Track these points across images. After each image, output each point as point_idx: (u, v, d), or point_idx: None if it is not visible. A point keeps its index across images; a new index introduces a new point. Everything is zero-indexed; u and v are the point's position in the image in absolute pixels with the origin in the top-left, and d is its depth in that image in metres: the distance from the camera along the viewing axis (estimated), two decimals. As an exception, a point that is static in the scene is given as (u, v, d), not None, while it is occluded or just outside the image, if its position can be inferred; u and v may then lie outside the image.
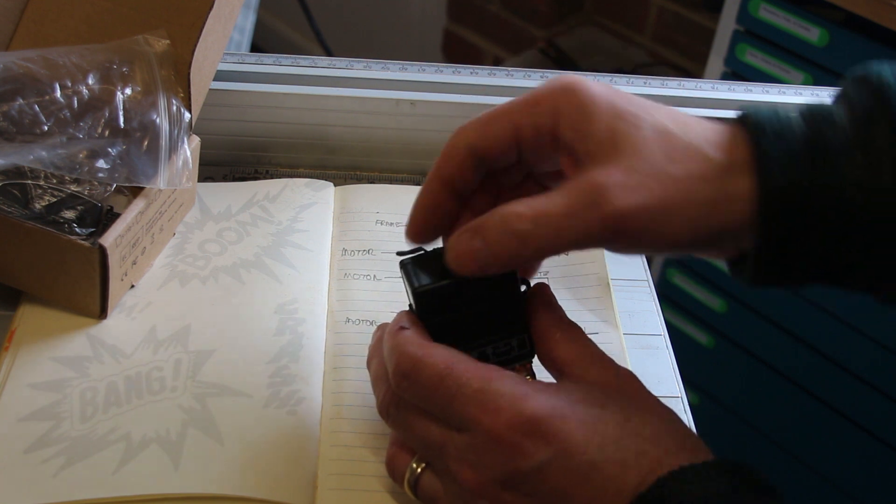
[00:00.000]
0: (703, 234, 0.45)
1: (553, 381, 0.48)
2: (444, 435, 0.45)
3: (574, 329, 0.49)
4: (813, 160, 0.43)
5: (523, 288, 0.50)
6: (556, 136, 0.45)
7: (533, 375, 0.50)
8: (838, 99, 0.46)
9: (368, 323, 0.58)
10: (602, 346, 0.49)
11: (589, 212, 0.43)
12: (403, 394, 0.46)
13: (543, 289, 0.50)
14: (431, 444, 0.46)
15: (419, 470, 0.47)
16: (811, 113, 0.45)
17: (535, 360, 0.50)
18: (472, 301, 0.48)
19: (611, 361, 0.47)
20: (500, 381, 0.44)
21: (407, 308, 0.50)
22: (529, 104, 0.46)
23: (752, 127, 0.44)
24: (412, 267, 0.48)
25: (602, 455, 0.43)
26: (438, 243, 0.50)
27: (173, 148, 0.58)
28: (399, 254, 0.49)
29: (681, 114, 0.46)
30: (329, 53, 1.65)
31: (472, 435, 0.44)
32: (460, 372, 0.44)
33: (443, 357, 0.45)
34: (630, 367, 0.56)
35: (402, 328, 0.47)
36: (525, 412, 0.43)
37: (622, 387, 0.46)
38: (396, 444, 0.48)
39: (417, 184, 0.71)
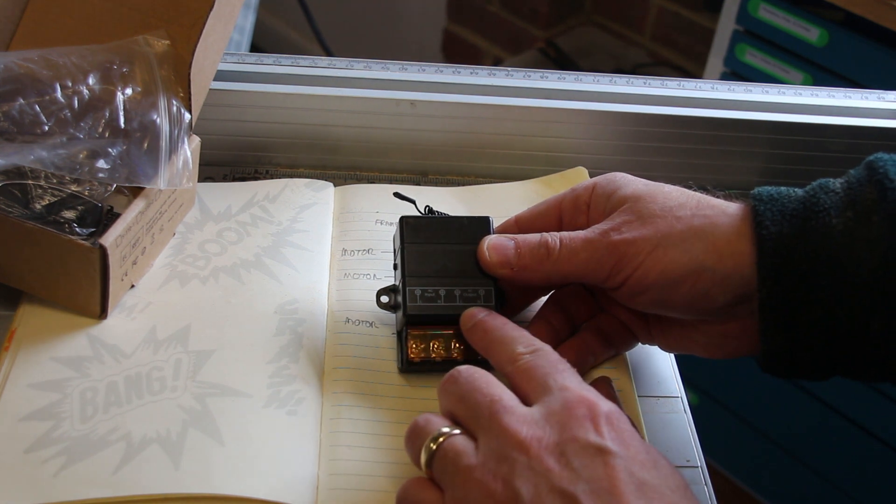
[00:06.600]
0: (700, 269, 0.49)
1: None
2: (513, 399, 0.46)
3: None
4: (806, 218, 0.48)
5: None
6: (590, 204, 0.54)
7: None
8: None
9: (368, 323, 0.58)
10: None
11: (601, 238, 0.51)
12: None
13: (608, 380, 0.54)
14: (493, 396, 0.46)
15: (455, 432, 0.45)
16: (812, 185, 0.50)
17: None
18: (449, 239, 0.55)
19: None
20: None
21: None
22: (575, 187, 0.56)
23: (752, 197, 0.50)
24: (406, 218, 0.56)
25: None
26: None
27: (173, 148, 0.58)
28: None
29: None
30: (329, 53, 1.65)
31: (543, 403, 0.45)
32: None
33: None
34: (630, 368, 0.56)
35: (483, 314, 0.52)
36: (599, 404, 0.45)
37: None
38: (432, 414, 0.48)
39: (417, 184, 0.71)
